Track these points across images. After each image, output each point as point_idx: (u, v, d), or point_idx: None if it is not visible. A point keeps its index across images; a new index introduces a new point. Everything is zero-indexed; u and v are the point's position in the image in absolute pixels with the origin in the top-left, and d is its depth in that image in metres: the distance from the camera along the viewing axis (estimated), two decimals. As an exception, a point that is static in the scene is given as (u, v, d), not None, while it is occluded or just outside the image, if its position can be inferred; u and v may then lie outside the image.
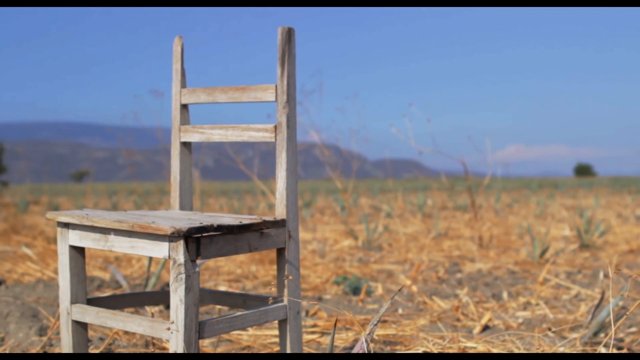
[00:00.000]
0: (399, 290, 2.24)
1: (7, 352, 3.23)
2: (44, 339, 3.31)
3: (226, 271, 5.87)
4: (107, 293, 4.73)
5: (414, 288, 4.98)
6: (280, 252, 2.41)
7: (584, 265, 6.30)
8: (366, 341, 2.21)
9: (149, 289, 4.40)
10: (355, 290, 4.92)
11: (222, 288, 5.15)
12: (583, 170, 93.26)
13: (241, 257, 6.46)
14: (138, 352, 3.24)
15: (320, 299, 4.75)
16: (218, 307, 4.22)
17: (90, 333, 3.59)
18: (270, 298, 2.39)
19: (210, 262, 6.28)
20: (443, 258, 6.78)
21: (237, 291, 5.00)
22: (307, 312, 4.29)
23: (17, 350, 3.28)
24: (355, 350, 2.22)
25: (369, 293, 4.92)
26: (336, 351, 3.31)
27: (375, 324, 2.22)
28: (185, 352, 2.07)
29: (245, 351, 3.36)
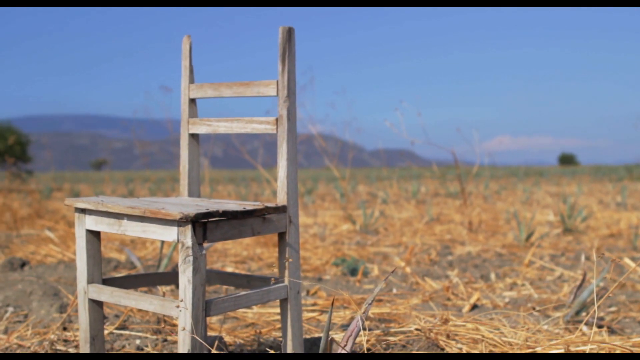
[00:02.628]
0: (393, 271, 2.23)
1: (29, 327, 3.23)
2: (64, 315, 3.31)
3: (233, 253, 5.86)
4: (123, 273, 4.73)
5: (408, 269, 4.98)
6: (282, 236, 2.40)
7: (567, 249, 6.29)
8: (361, 319, 2.20)
9: (161, 269, 4.39)
10: (353, 272, 4.91)
11: (229, 269, 5.14)
12: (567, 160, 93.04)
13: (247, 240, 6.45)
14: (151, 327, 3.24)
15: (320, 280, 4.75)
16: (225, 287, 4.21)
17: (107, 310, 3.59)
18: (273, 278, 2.38)
19: (218, 245, 6.27)
20: (435, 241, 6.77)
21: (243, 272, 4.99)
22: (307, 292, 4.28)
23: (39, 326, 3.28)
24: (351, 328, 2.21)
25: (365, 274, 4.91)
26: (334, 328, 3.31)
27: (370, 303, 2.22)
28: (193, 328, 2.07)
29: (250, 328, 3.36)
